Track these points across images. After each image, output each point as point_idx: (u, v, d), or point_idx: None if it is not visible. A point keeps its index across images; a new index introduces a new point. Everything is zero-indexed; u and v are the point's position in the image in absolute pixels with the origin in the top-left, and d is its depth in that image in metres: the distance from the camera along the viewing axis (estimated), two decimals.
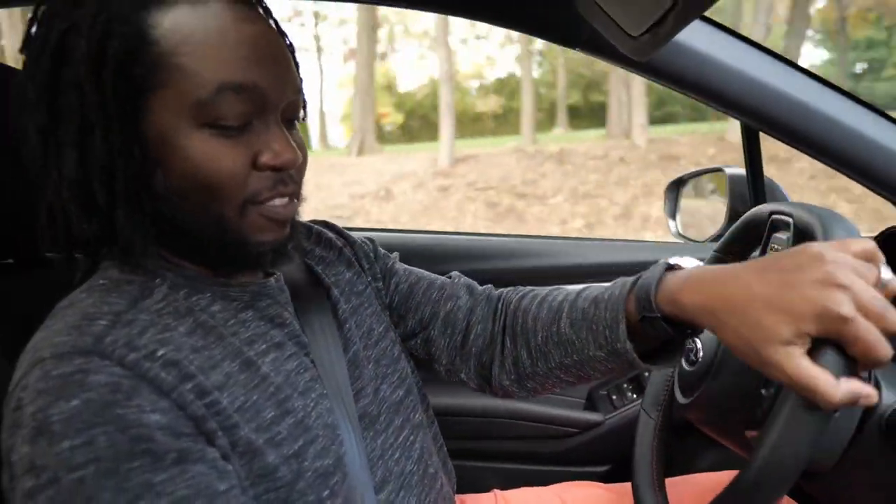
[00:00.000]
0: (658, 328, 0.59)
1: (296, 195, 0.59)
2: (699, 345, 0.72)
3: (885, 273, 0.49)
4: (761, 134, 1.07)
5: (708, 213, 1.42)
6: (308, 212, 0.67)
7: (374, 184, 10.38)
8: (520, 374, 0.72)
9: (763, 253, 0.73)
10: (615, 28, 0.73)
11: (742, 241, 0.79)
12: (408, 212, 9.02)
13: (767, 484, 0.50)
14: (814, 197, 7.48)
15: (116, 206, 0.52)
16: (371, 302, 0.73)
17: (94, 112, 0.50)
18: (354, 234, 0.80)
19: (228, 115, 0.51)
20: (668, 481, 0.83)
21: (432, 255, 1.28)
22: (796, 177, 8.08)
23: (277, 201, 0.56)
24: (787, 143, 0.97)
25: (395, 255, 0.83)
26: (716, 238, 1.30)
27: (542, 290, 0.74)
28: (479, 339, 0.75)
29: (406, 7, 1.02)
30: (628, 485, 0.85)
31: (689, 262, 0.61)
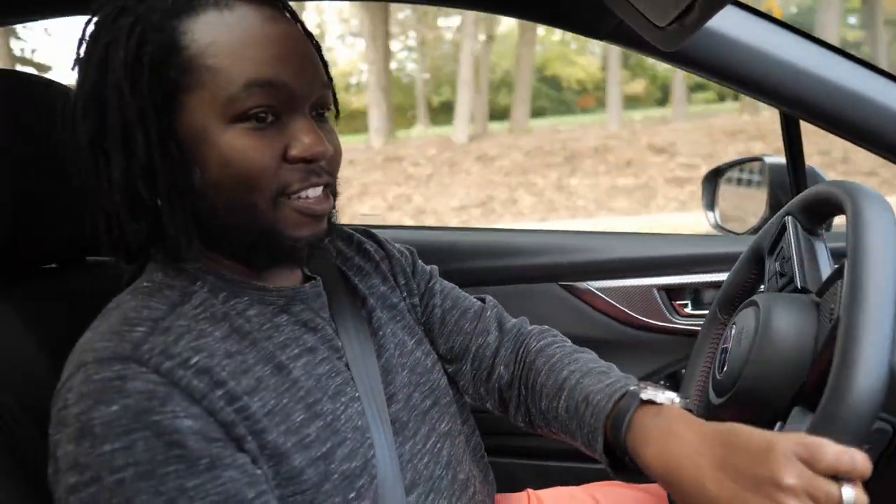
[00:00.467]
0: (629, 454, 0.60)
1: (330, 188, 0.61)
2: (728, 351, 0.70)
3: (847, 494, 0.46)
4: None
5: (748, 203, 1.37)
6: None
7: None
8: (531, 420, 0.76)
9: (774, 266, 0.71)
10: (641, 19, 0.72)
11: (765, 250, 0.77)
12: None
13: (867, 384, 0.50)
14: None
15: (160, 204, 0.55)
16: (403, 315, 0.75)
17: (133, 115, 0.53)
18: (394, 242, 0.82)
19: (256, 111, 0.54)
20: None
21: (444, 251, 1.28)
22: None
23: (311, 192, 0.58)
24: (828, 130, 0.94)
25: (434, 269, 0.84)
26: (756, 229, 1.26)
27: (556, 351, 0.75)
28: (501, 378, 0.78)
29: (433, 4, 1.02)
30: None
31: (664, 397, 0.60)
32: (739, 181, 1.41)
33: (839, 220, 0.73)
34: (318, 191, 0.59)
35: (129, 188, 0.55)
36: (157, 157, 0.54)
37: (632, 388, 0.62)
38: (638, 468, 0.59)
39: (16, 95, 0.71)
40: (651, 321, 1.21)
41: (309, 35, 0.61)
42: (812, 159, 1.15)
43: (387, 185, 9.55)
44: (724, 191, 1.42)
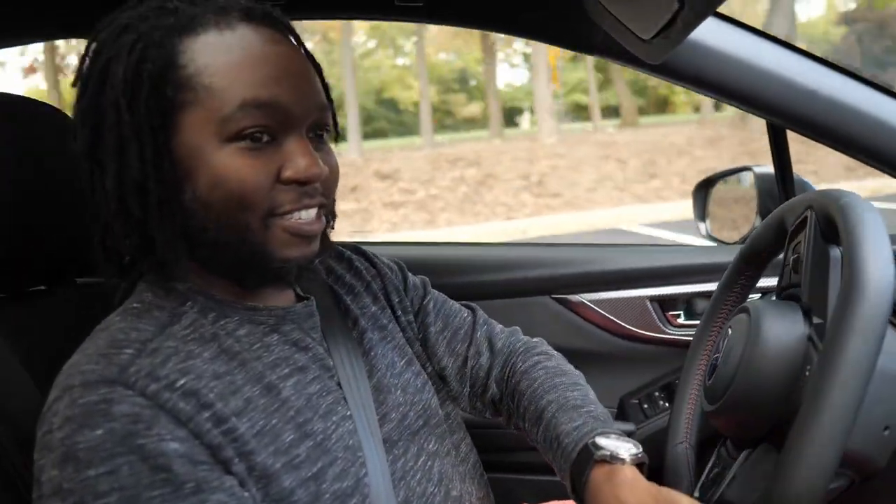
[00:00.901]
0: None
1: (324, 209, 0.61)
2: (720, 358, 0.70)
3: None
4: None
5: (738, 213, 1.38)
6: None
7: None
8: (519, 429, 0.79)
9: (786, 255, 0.70)
10: (627, 32, 0.72)
11: (764, 249, 0.77)
12: None
13: (806, 484, 0.50)
14: None
15: (150, 218, 0.55)
16: (394, 336, 0.75)
17: (129, 130, 0.53)
18: (383, 258, 0.82)
19: (251, 130, 0.54)
20: None
21: (439, 266, 1.28)
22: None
23: (303, 214, 0.57)
24: (813, 139, 0.95)
25: (425, 282, 0.84)
26: (746, 239, 1.26)
27: (539, 374, 0.76)
28: (495, 395, 0.81)
29: (427, 22, 1.03)
30: None
31: (625, 450, 0.63)
32: (729, 191, 1.42)
33: None
34: (312, 212, 0.58)
35: (120, 200, 0.55)
36: (150, 173, 0.54)
37: (592, 441, 0.64)
38: None
39: (4, 117, 0.71)
40: (644, 332, 1.21)
41: (310, 56, 0.62)
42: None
43: None
44: (714, 201, 1.43)
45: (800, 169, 1.11)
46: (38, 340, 0.70)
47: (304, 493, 0.54)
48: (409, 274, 0.82)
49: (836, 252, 0.60)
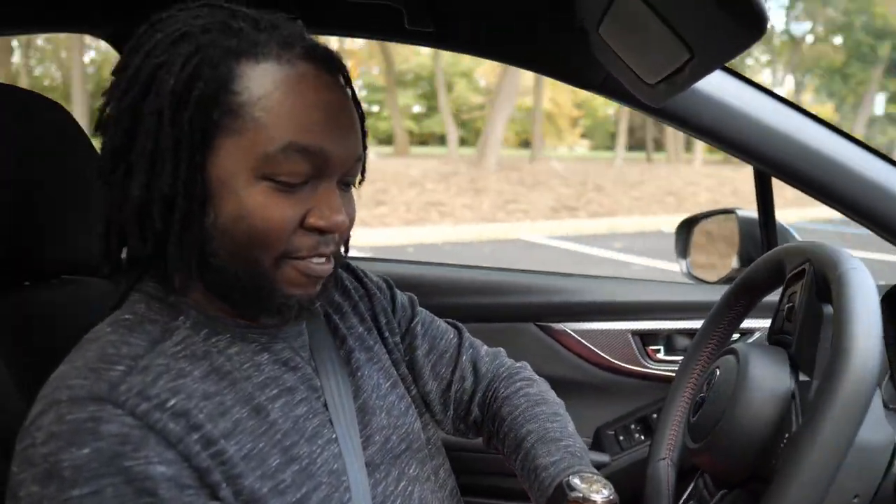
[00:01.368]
0: None
1: (335, 256, 0.61)
2: (706, 397, 0.72)
3: None
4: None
5: (719, 255, 1.42)
6: None
7: None
8: (499, 453, 0.79)
9: (782, 300, 0.72)
10: (631, 75, 0.75)
11: (757, 287, 0.79)
12: None
13: None
14: None
15: (170, 233, 0.54)
16: (380, 357, 0.75)
17: (167, 143, 0.52)
18: (372, 275, 0.81)
19: (290, 173, 0.54)
20: None
21: (426, 286, 1.28)
22: None
23: (315, 259, 0.57)
24: (799, 189, 0.98)
25: (413, 300, 0.84)
26: (727, 280, 1.30)
27: (521, 402, 0.77)
28: (478, 417, 0.82)
29: (435, 46, 1.05)
30: None
31: (597, 494, 0.64)
32: (711, 232, 1.46)
33: None
34: (323, 259, 0.59)
35: (143, 207, 0.54)
36: (180, 190, 0.53)
37: (567, 480, 0.65)
38: None
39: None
40: (624, 365, 1.23)
41: (357, 104, 0.61)
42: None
43: None
44: (697, 240, 1.47)
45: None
46: (20, 336, 0.69)
47: None
48: (398, 292, 0.82)
49: (829, 310, 0.62)
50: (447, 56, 14.62)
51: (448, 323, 0.86)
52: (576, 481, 0.65)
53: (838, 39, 20.04)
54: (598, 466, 1.19)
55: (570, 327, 1.24)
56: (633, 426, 1.25)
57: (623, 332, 1.23)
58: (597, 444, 1.25)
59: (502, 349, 0.88)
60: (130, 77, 0.54)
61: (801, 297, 0.66)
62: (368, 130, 0.65)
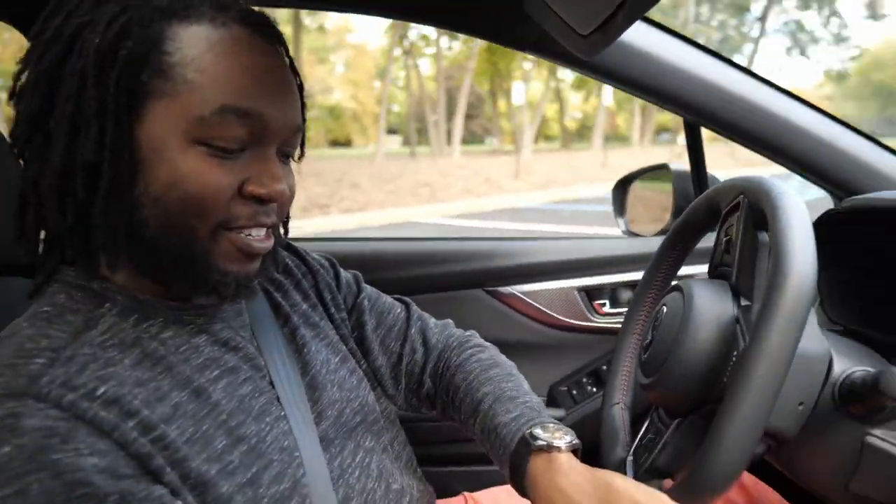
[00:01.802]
0: None
1: (274, 230, 0.59)
2: (655, 336, 0.74)
3: None
4: None
5: (654, 209, 1.46)
6: None
7: None
8: (459, 424, 0.78)
9: (719, 235, 0.75)
10: (564, 27, 0.75)
11: (694, 228, 0.82)
12: None
13: (728, 461, 0.54)
14: None
15: (94, 204, 0.51)
16: (327, 333, 0.73)
17: (91, 106, 0.49)
18: (314, 254, 0.80)
19: (225, 137, 0.51)
20: None
21: (368, 261, 1.27)
22: None
23: (254, 232, 0.55)
24: (728, 137, 1.02)
25: (358, 277, 0.83)
26: (664, 232, 1.34)
27: (474, 367, 0.77)
28: (430, 390, 0.81)
29: (363, 13, 1.02)
30: None
31: (561, 439, 0.65)
32: (646, 188, 1.50)
33: None
34: (262, 231, 0.56)
35: (64, 176, 0.50)
36: (106, 157, 0.50)
37: (529, 432, 0.66)
38: None
39: None
40: (572, 321, 1.25)
41: (295, 72, 0.59)
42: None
43: None
44: (633, 198, 1.51)
45: None
46: None
47: (241, 499, 0.52)
48: (342, 270, 0.81)
49: (765, 237, 0.65)
50: None
51: (395, 298, 0.85)
52: (538, 431, 0.66)
53: None
54: None
55: (517, 290, 1.26)
56: (584, 380, 1.28)
57: (569, 289, 1.25)
58: (551, 402, 1.28)
59: (450, 320, 0.88)
60: (49, 39, 0.51)
61: (738, 229, 0.68)
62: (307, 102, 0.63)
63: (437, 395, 0.81)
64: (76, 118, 0.49)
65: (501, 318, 1.26)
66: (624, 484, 0.59)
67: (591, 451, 0.87)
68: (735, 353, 0.63)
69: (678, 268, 0.85)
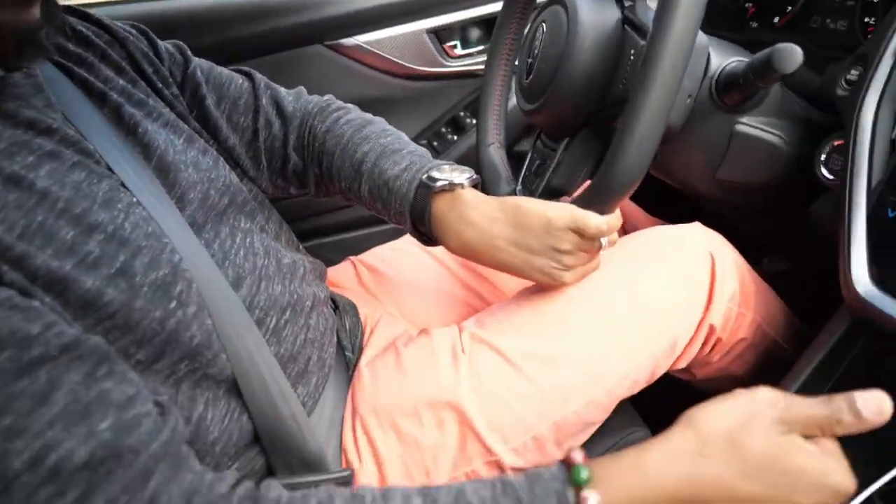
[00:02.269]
0: None
1: None
2: (537, 56, 0.70)
3: (604, 244, 0.63)
4: None
5: None
6: None
7: None
8: (336, 194, 0.77)
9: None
10: None
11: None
12: None
13: (638, 156, 0.55)
14: None
15: None
16: (160, 112, 0.62)
17: None
18: (117, 22, 0.64)
19: None
20: None
21: (182, 24, 1.06)
22: None
23: None
24: None
25: (181, 46, 0.70)
26: None
27: (345, 130, 0.72)
28: (296, 165, 0.76)
29: None
30: None
31: (459, 176, 0.64)
32: None
33: None
34: None
35: None
36: None
37: (426, 175, 0.65)
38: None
39: None
40: (425, 68, 1.17)
41: None
42: None
43: None
44: None
45: None
46: None
47: (115, 291, 0.46)
48: (158, 40, 0.67)
49: None
50: None
51: (233, 69, 0.74)
52: (435, 174, 0.65)
53: None
54: None
55: (361, 40, 1.13)
56: (444, 130, 1.25)
57: (417, 33, 1.15)
58: None
59: (303, 88, 0.79)
60: None
61: None
62: None
63: (306, 169, 0.75)
64: None
65: (348, 74, 1.14)
66: (532, 204, 0.63)
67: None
68: (632, 51, 0.62)
69: None
